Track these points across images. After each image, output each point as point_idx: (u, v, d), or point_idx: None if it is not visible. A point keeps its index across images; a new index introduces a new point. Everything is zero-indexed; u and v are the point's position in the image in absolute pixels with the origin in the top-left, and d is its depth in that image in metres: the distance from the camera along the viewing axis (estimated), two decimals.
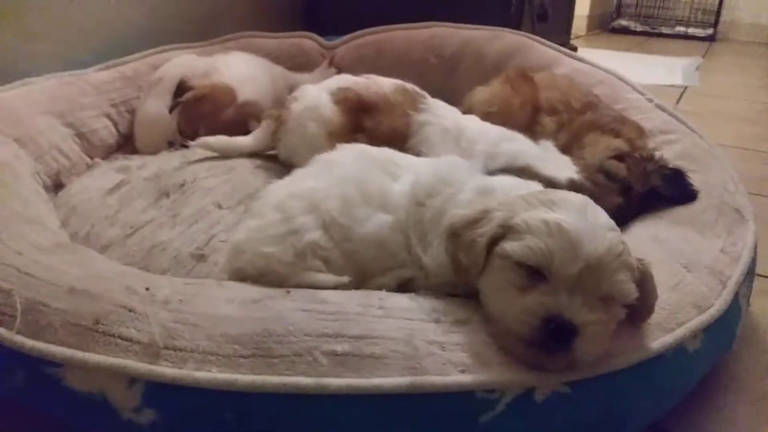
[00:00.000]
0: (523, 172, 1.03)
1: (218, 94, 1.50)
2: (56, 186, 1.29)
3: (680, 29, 5.58)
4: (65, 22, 1.64)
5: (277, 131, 1.34)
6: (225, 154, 1.37)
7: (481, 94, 1.46)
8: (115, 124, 1.53)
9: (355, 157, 0.94)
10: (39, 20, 1.57)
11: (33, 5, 1.54)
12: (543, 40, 1.81)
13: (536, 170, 1.08)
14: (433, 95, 1.34)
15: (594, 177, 1.14)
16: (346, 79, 1.35)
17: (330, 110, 1.26)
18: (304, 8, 2.58)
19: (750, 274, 0.96)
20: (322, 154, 0.97)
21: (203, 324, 0.69)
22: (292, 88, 1.71)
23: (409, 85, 1.33)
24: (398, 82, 1.33)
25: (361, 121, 1.26)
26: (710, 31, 5.48)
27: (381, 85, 1.31)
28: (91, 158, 1.43)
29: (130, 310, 0.70)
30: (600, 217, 0.70)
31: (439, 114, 1.26)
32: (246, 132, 1.44)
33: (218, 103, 1.48)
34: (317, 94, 1.30)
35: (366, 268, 0.85)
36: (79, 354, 0.66)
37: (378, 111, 1.26)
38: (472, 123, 1.27)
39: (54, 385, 0.66)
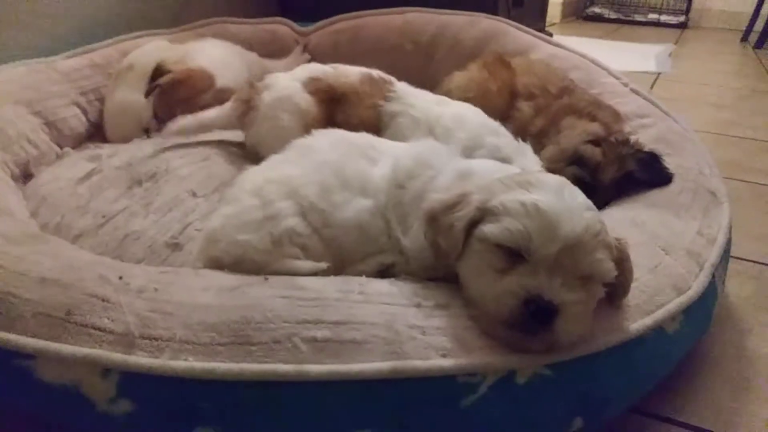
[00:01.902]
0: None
1: (196, 79, 1.47)
2: (25, 176, 1.25)
3: (653, 16, 5.63)
4: (33, 9, 1.59)
5: (245, 116, 1.28)
6: (197, 132, 1.33)
7: (458, 79, 1.45)
8: (85, 113, 1.50)
9: (332, 143, 0.92)
10: (5, 6, 1.52)
11: None
12: (519, 25, 1.81)
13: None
14: (411, 81, 1.32)
15: (557, 169, 1.14)
16: (315, 69, 1.30)
17: (305, 101, 1.23)
18: None
19: (725, 255, 0.97)
20: (298, 140, 0.95)
21: (179, 312, 0.68)
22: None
23: (375, 72, 1.29)
24: (364, 70, 1.29)
25: (334, 113, 1.23)
26: (682, 18, 5.54)
27: (348, 75, 1.27)
28: (61, 147, 1.39)
29: (103, 300, 0.69)
30: (577, 197, 0.70)
31: (408, 103, 1.22)
32: None
33: (196, 88, 1.45)
34: (289, 84, 1.26)
35: (346, 254, 0.84)
36: (51, 345, 0.64)
37: (348, 103, 1.23)
38: (447, 108, 1.22)
39: (26, 378, 0.64)
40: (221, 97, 1.44)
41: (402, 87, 1.27)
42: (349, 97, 1.24)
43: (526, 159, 1.11)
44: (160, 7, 2.00)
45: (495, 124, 1.19)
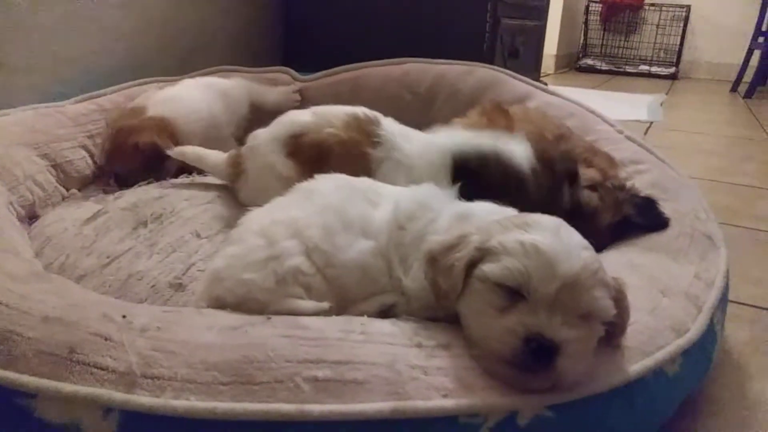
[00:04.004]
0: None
1: (127, 112, 1.55)
2: (30, 217, 1.27)
3: (644, 68, 5.80)
4: (44, 54, 1.64)
5: (236, 179, 1.28)
6: (197, 165, 1.38)
7: (458, 126, 1.48)
8: (92, 156, 1.52)
9: (336, 187, 0.94)
10: (17, 52, 1.56)
11: (11, 37, 1.54)
12: (515, 74, 1.85)
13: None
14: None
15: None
16: (295, 122, 1.22)
17: (286, 168, 1.18)
18: (282, 45, 2.62)
19: (723, 299, 0.98)
20: (302, 183, 0.97)
21: (182, 351, 0.68)
22: (258, 104, 1.77)
23: (361, 112, 1.23)
24: (349, 110, 1.23)
25: (320, 169, 1.11)
26: (672, 69, 5.70)
27: (332, 122, 1.20)
28: (67, 189, 1.41)
29: (106, 339, 0.69)
30: (574, 236, 0.72)
31: (391, 147, 1.18)
32: (156, 149, 1.43)
33: (124, 118, 1.52)
34: (270, 149, 1.21)
35: (348, 294, 0.84)
36: (52, 384, 0.64)
37: (335, 156, 1.17)
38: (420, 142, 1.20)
39: (26, 417, 0.64)
40: (150, 123, 1.48)
41: (389, 128, 1.21)
42: (336, 149, 1.17)
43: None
44: (168, 55, 2.06)
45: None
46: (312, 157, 1.17)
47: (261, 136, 1.25)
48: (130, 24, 1.92)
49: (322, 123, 1.20)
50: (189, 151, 1.39)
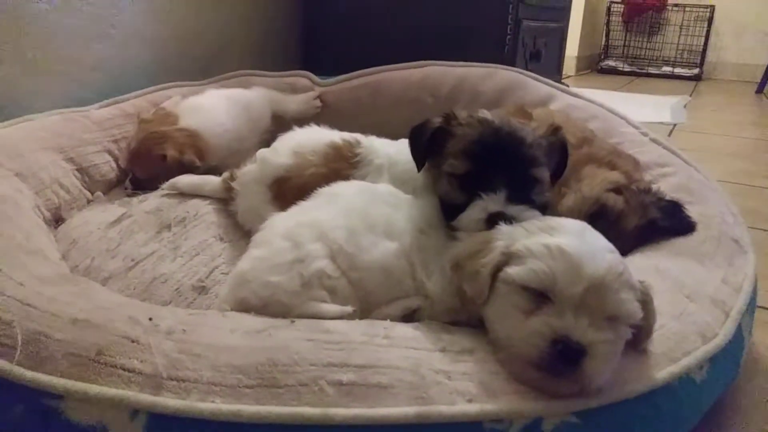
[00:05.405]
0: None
1: (160, 116, 1.55)
2: (56, 220, 1.29)
3: (667, 69, 5.72)
4: (68, 60, 1.67)
5: (231, 201, 1.26)
6: (194, 193, 1.33)
7: None
8: (116, 160, 1.55)
9: (358, 190, 0.96)
10: (42, 57, 1.59)
11: (36, 42, 1.57)
12: (536, 75, 1.83)
13: None
14: None
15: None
16: (278, 166, 1.18)
17: (269, 211, 1.10)
18: (301, 48, 2.63)
19: (751, 305, 0.96)
20: (325, 188, 0.98)
21: (207, 354, 0.68)
22: (280, 113, 1.78)
23: (340, 138, 1.20)
24: (328, 141, 1.19)
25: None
26: (696, 70, 5.62)
27: (313, 160, 1.16)
28: (92, 193, 1.44)
29: (133, 341, 0.70)
30: (599, 239, 0.72)
31: (371, 158, 1.16)
32: (180, 165, 1.43)
33: (157, 123, 1.52)
34: (256, 189, 1.20)
35: (372, 297, 0.85)
36: (79, 385, 0.65)
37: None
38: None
39: (54, 418, 0.65)
40: (180, 134, 1.49)
41: (367, 143, 1.20)
42: (320, 185, 1.08)
43: None
44: (189, 60, 2.09)
45: None
46: (297, 199, 1.09)
47: (248, 175, 1.23)
48: (153, 30, 1.94)
49: (303, 164, 1.16)
50: (183, 182, 1.35)
